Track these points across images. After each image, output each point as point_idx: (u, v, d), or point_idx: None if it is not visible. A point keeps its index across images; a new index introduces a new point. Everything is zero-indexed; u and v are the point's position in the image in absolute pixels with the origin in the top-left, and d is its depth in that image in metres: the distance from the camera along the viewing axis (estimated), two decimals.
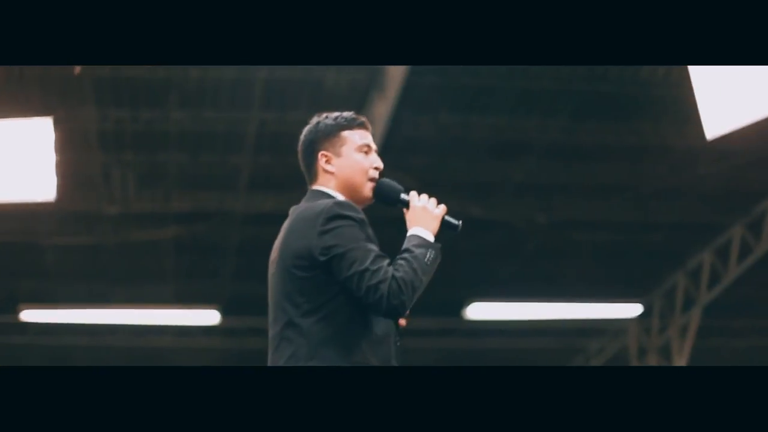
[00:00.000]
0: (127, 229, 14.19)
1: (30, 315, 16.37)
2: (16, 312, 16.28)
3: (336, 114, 4.23)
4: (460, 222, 4.19)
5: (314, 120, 4.24)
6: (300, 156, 4.25)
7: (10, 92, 11.26)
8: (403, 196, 4.20)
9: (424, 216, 4.11)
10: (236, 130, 12.40)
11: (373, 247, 3.96)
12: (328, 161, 4.16)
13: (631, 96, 12.15)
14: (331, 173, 4.16)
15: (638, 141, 12.91)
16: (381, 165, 4.22)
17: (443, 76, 11.56)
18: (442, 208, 4.15)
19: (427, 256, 3.99)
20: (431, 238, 4.06)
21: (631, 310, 16.89)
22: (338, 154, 4.16)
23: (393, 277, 3.88)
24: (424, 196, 4.17)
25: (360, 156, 4.18)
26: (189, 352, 17.94)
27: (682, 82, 11.35)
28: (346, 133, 4.18)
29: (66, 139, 11.76)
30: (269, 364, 4.03)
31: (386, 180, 4.22)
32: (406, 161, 12.31)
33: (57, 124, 10.71)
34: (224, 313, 16.75)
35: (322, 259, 3.91)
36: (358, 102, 11.99)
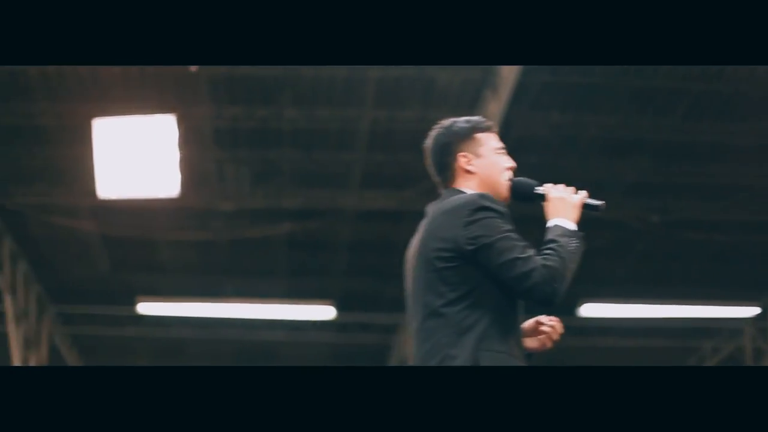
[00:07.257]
0: (241, 225, 14.38)
1: (146, 307, 16.74)
2: (133, 304, 16.66)
3: (466, 117, 4.27)
4: (603, 202, 4.17)
5: (446, 123, 4.26)
6: (432, 158, 4.26)
7: (129, 91, 11.50)
8: (538, 189, 4.20)
9: (563, 206, 4.10)
10: (349, 127, 12.49)
11: (519, 238, 3.97)
12: (468, 161, 4.18)
13: (747, 95, 11.94)
14: (472, 173, 4.18)
15: (754, 141, 12.69)
16: (514, 164, 4.24)
17: (555, 76, 11.50)
18: (582, 194, 4.14)
19: (571, 244, 3.98)
20: (573, 227, 4.05)
21: (748, 311, 16.61)
22: (477, 155, 4.18)
23: (543, 265, 3.89)
24: (561, 186, 4.16)
25: (497, 157, 4.21)
26: (300, 347, 18.13)
27: None
28: (481, 135, 4.22)
29: (182, 136, 11.98)
30: (414, 354, 4.06)
31: (520, 178, 4.24)
32: (517, 160, 12.11)
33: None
34: (339, 308, 16.87)
35: (469, 248, 3.93)
36: (471, 101, 11.99)
